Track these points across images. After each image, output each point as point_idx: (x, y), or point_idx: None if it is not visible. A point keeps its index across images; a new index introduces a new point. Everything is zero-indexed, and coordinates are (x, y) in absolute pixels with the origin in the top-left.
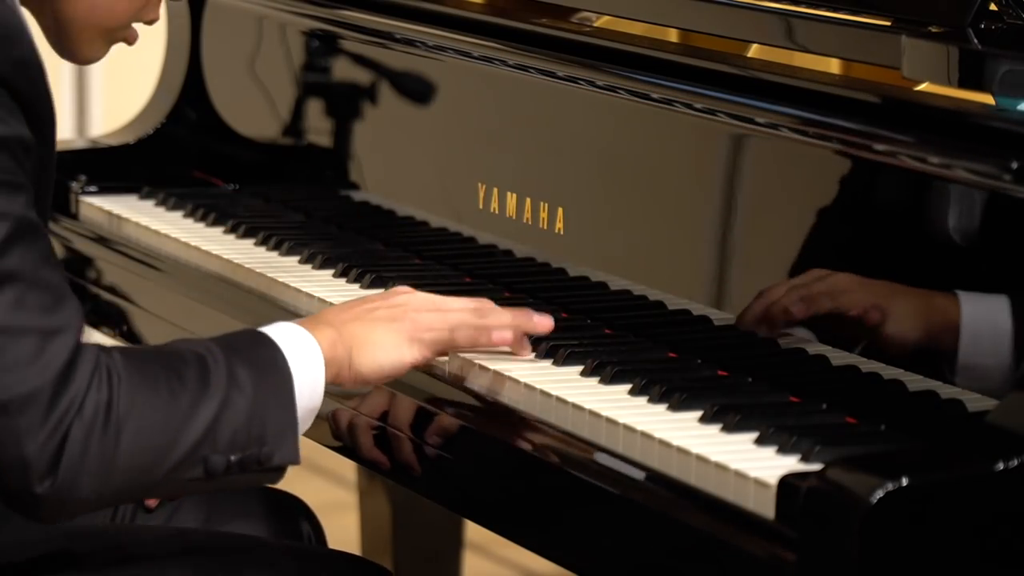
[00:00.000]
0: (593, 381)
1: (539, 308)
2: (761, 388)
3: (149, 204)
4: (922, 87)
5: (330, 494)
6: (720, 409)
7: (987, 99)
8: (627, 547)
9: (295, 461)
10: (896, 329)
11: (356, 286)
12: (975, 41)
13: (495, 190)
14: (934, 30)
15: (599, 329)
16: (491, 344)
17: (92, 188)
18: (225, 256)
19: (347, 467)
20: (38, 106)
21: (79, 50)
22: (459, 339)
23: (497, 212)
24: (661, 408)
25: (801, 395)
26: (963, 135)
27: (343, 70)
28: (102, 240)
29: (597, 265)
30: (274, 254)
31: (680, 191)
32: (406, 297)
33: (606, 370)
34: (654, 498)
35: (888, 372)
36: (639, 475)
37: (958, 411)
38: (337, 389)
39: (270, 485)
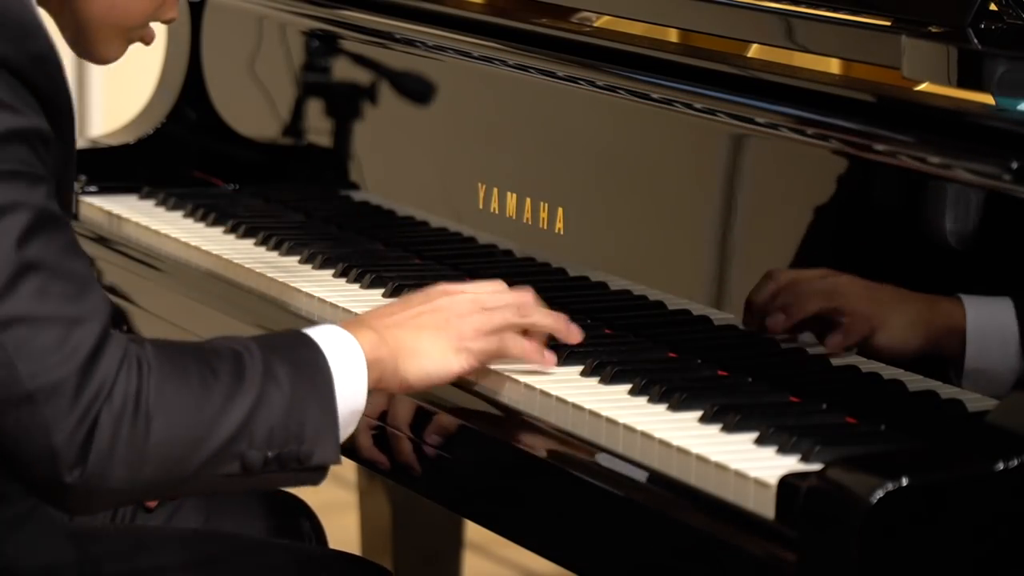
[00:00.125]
0: (593, 381)
1: None
2: (761, 388)
3: (149, 204)
4: (922, 87)
5: (330, 494)
6: (720, 409)
7: (987, 99)
8: (627, 547)
9: (336, 461)
10: (900, 336)
11: (356, 286)
12: (975, 41)
13: (495, 190)
14: (934, 30)
15: (599, 329)
16: (534, 354)
17: (92, 188)
18: (225, 256)
19: (347, 467)
20: (56, 101)
21: (97, 50)
22: (509, 347)
23: (497, 212)
24: (661, 408)
25: (801, 395)
26: (963, 135)
27: (343, 70)
28: (102, 240)
29: (597, 265)
30: (274, 254)
31: (680, 191)
32: (448, 300)
33: (606, 370)
34: (654, 498)
35: (888, 372)
36: (639, 475)
37: (958, 411)
38: None
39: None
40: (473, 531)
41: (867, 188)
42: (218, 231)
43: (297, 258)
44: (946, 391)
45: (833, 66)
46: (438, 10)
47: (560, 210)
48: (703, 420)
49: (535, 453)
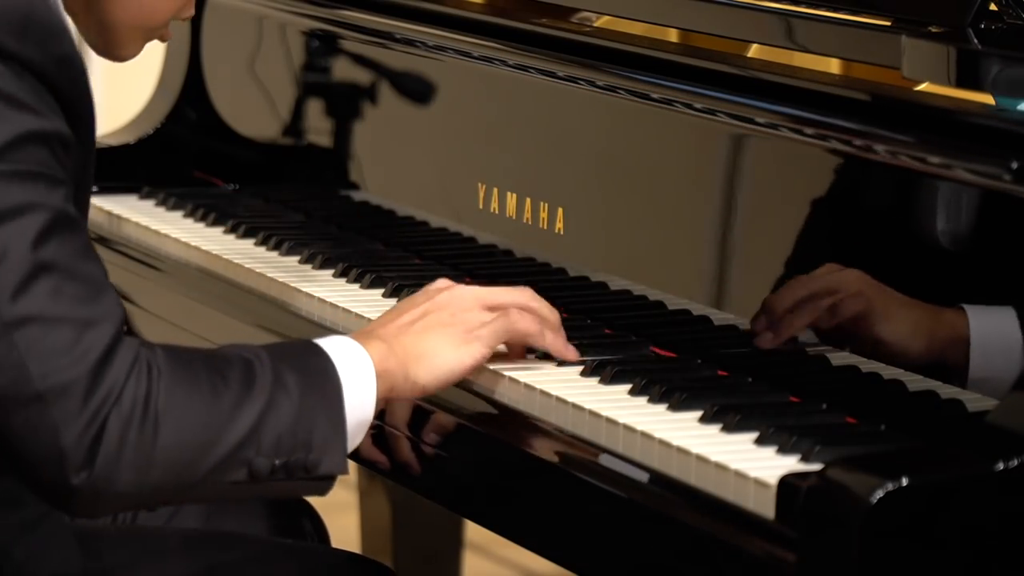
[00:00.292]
0: (593, 381)
1: None
2: (761, 388)
3: (149, 204)
4: (922, 87)
5: (330, 494)
6: (720, 409)
7: (987, 99)
8: (627, 547)
9: (343, 471)
10: (905, 346)
11: (356, 286)
12: (975, 41)
13: (495, 190)
14: (934, 30)
15: (599, 329)
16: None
17: (92, 188)
18: (225, 256)
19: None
20: (78, 106)
21: (121, 50)
22: (517, 323)
23: (497, 212)
24: (661, 408)
25: (801, 395)
26: (963, 135)
27: (343, 70)
28: (102, 240)
29: (597, 265)
30: (274, 254)
31: (680, 191)
32: (449, 296)
33: (606, 370)
34: (654, 498)
35: (888, 372)
36: (639, 475)
37: (958, 411)
38: None
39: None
40: (473, 531)
41: (867, 188)
42: (218, 231)
43: (297, 258)
44: (946, 391)
45: (833, 66)
46: (438, 10)
47: (560, 210)
48: (703, 420)
49: (535, 453)
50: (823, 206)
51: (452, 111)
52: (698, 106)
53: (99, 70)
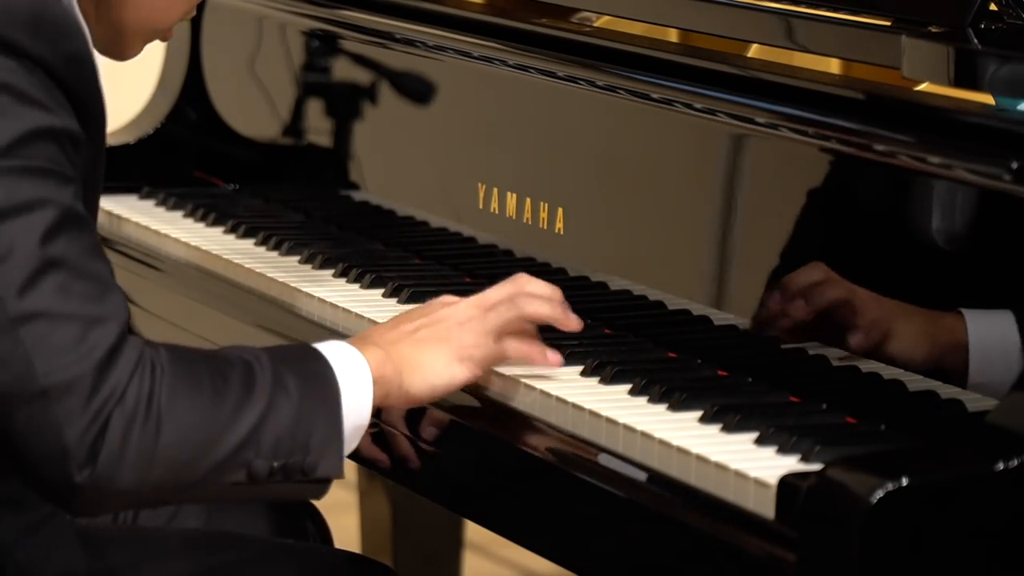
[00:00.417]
0: (593, 381)
1: None
2: (761, 388)
3: (149, 204)
4: (922, 87)
5: (330, 494)
6: (720, 409)
7: (987, 99)
8: (627, 547)
9: (339, 475)
10: (905, 350)
11: (356, 286)
12: (975, 41)
13: (495, 190)
14: (934, 30)
15: (599, 329)
16: (537, 356)
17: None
18: (225, 256)
19: (347, 467)
20: (89, 105)
21: (127, 50)
22: (509, 351)
23: (497, 212)
24: (661, 408)
25: (801, 395)
26: (963, 135)
27: (343, 70)
28: (102, 240)
29: (597, 265)
30: (274, 254)
31: (680, 191)
32: (447, 311)
33: (606, 370)
34: (654, 498)
35: (888, 372)
36: (639, 475)
37: (958, 411)
38: None
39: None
40: (473, 531)
41: (867, 188)
42: (218, 231)
43: (297, 258)
44: (946, 391)
45: (833, 66)
46: (438, 10)
47: (560, 210)
48: (703, 420)
49: (535, 453)
50: (823, 206)
51: (452, 111)
52: (698, 106)
53: (99, 70)
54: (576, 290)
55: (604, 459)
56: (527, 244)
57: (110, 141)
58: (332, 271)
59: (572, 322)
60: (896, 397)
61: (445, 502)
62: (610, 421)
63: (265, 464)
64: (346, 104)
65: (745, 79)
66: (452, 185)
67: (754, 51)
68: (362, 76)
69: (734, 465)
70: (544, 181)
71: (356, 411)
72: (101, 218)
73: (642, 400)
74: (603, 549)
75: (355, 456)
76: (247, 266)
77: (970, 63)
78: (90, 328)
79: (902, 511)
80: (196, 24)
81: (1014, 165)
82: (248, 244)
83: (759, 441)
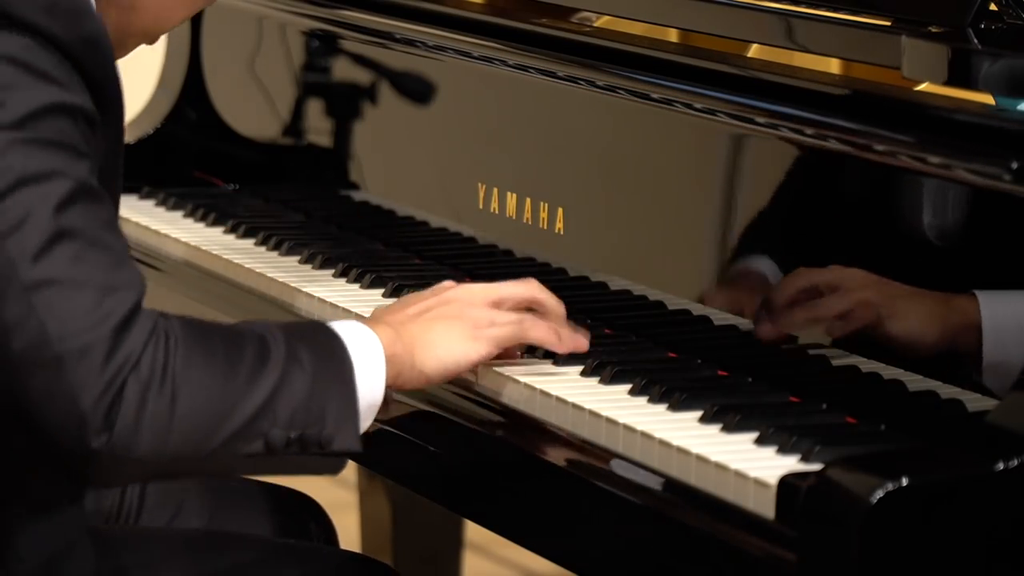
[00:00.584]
0: (593, 381)
1: None
2: (761, 388)
3: (149, 204)
4: (922, 87)
5: (330, 494)
6: (720, 409)
7: (987, 99)
8: (627, 547)
9: (357, 447)
10: (917, 333)
11: (356, 286)
12: (975, 41)
13: (495, 190)
14: (934, 30)
15: (599, 329)
16: (551, 336)
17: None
18: (225, 256)
19: (347, 467)
20: (106, 88)
21: (123, 51)
22: (528, 331)
23: (497, 212)
24: (661, 408)
25: (801, 395)
26: (963, 135)
27: (343, 70)
28: None
29: (597, 265)
30: (274, 254)
31: (680, 191)
32: (457, 292)
33: (606, 370)
34: (654, 498)
35: (888, 372)
36: (639, 475)
37: (958, 411)
38: None
39: (331, 475)
40: (473, 531)
41: (867, 188)
42: (218, 231)
43: (297, 258)
44: (946, 391)
45: (833, 66)
46: (438, 10)
47: (560, 210)
48: (703, 420)
49: (535, 453)
50: (823, 206)
51: (452, 111)
52: (698, 106)
53: None
54: (576, 290)
55: (604, 459)
56: (527, 244)
57: None
58: (332, 271)
59: (581, 344)
60: (896, 397)
61: (445, 502)
62: (610, 421)
63: (282, 434)
64: (346, 104)
65: (745, 79)
66: (452, 185)
67: (754, 51)
68: (362, 76)
69: (734, 465)
70: (544, 181)
71: (370, 389)
72: None
73: (642, 400)
74: (603, 549)
75: (356, 456)
76: (247, 266)
77: (970, 63)
78: (105, 296)
79: (902, 511)
80: (196, 24)
81: (1014, 165)
82: (248, 244)
83: (759, 441)
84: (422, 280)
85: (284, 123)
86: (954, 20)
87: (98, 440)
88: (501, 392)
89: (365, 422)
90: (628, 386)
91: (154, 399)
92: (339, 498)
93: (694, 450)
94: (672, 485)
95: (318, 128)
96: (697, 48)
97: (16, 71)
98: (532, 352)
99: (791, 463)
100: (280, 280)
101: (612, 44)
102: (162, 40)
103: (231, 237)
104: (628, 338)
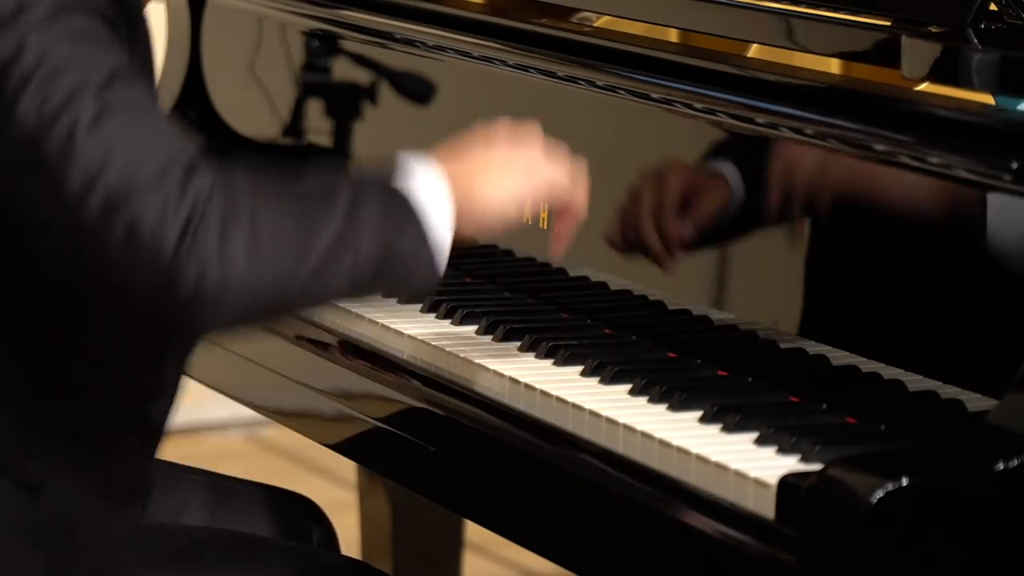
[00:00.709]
0: (593, 381)
1: (539, 308)
2: (761, 388)
3: None
4: (922, 87)
5: (330, 494)
6: (720, 409)
7: (987, 99)
8: (627, 547)
9: (437, 276)
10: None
11: None
12: (975, 41)
13: None
14: (934, 30)
15: (599, 329)
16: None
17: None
18: None
19: (347, 467)
20: (135, 23)
21: None
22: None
23: None
24: (661, 408)
25: (801, 395)
26: (963, 135)
27: (343, 70)
28: None
29: (597, 265)
30: None
31: (680, 191)
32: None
33: (606, 370)
34: (654, 498)
35: (888, 372)
36: (639, 475)
37: (958, 411)
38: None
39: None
40: (473, 531)
41: (867, 188)
42: None
43: None
44: (946, 391)
45: (833, 66)
46: (438, 10)
47: None
48: (703, 420)
49: (535, 453)
50: (823, 206)
51: (452, 111)
52: (698, 106)
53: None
54: (576, 290)
55: (604, 459)
56: (527, 244)
57: None
58: None
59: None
60: (896, 397)
61: (445, 502)
62: (610, 421)
63: (365, 269)
64: (346, 104)
65: (745, 79)
66: None
67: (754, 51)
68: (362, 76)
69: (734, 465)
70: None
71: (437, 228)
72: None
73: (642, 400)
74: (603, 549)
75: (356, 456)
76: None
77: (970, 63)
78: (166, 145)
79: (902, 511)
80: (196, 24)
81: (1014, 165)
82: None
83: (759, 441)
84: None
85: (284, 123)
86: (954, 20)
87: (186, 287)
88: (501, 391)
89: (440, 257)
90: (628, 386)
91: (234, 230)
92: (339, 498)
93: (694, 450)
94: (672, 485)
95: (318, 128)
96: (697, 48)
97: None
98: (533, 352)
99: (791, 463)
100: None
101: (612, 44)
102: (162, 40)
103: None
104: (628, 338)
